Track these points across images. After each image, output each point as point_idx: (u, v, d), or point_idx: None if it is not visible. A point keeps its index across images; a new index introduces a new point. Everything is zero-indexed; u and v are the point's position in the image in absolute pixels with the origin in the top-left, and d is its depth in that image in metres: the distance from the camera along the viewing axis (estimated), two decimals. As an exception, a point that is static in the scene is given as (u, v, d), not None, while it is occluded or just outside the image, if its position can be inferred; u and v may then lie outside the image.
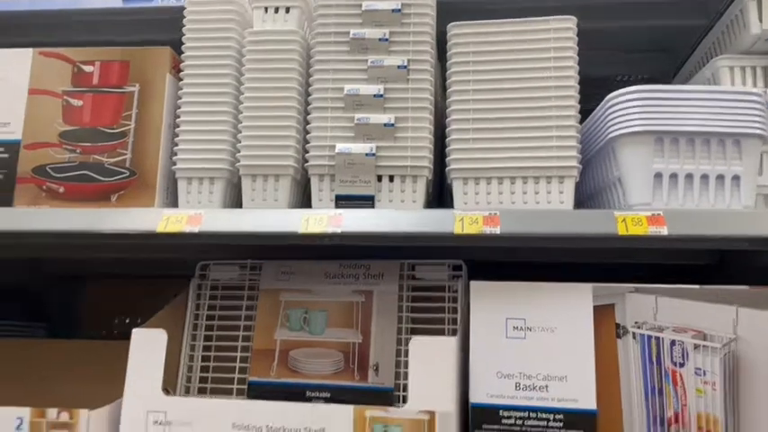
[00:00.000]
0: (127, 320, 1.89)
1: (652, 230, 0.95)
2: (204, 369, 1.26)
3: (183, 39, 1.17)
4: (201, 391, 1.25)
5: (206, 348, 1.27)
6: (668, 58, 1.61)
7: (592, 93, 1.18)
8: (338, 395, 1.14)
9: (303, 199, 1.18)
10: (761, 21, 1.18)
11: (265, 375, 1.19)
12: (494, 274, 1.07)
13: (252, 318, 1.25)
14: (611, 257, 1.34)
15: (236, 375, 1.22)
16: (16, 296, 1.71)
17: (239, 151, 1.11)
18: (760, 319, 0.92)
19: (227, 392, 1.22)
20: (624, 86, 1.05)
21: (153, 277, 1.83)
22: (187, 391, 1.24)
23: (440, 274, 1.20)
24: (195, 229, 1.03)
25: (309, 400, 1.16)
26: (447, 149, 1.10)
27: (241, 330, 1.25)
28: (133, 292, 1.85)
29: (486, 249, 1.32)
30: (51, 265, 1.80)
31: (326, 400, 1.15)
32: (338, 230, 1.01)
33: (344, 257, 1.26)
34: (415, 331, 1.18)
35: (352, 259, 1.25)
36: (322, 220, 1.02)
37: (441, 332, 1.17)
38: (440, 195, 1.37)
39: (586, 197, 1.26)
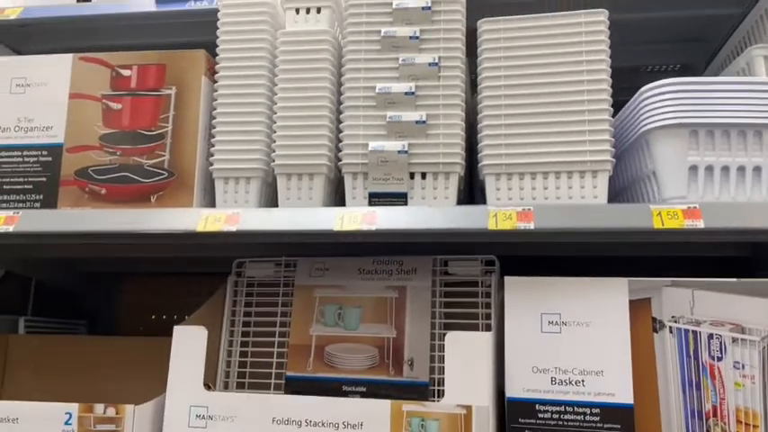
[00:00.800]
0: (164, 317, 1.94)
1: (688, 224, 0.94)
2: (242, 365, 1.29)
3: (217, 41, 1.19)
4: (240, 386, 1.28)
5: (243, 344, 1.30)
6: (700, 48, 1.59)
7: (622, 84, 1.18)
8: (374, 390, 1.16)
9: (336, 197, 1.20)
10: (797, 8, 1.16)
11: (302, 370, 1.21)
12: (525, 269, 1.08)
13: (288, 314, 1.27)
14: (642, 251, 1.33)
15: (274, 370, 1.25)
16: (58, 294, 1.77)
17: (274, 151, 1.13)
18: (800, 313, 0.91)
19: (265, 387, 1.25)
20: (655, 77, 1.05)
21: (188, 275, 1.88)
22: (226, 387, 1.27)
23: (473, 270, 1.21)
24: (233, 228, 1.06)
25: (346, 394, 1.18)
26: (479, 145, 1.10)
27: (278, 326, 1.27)
28: (169, 290, 1.90)
29: (516, 245, 1.32)
30: (90, 264, 1.85)
31: (362, 395, 1.17)
32: (372, 228, 1.02)
33: (376, 254, 1.28)
34: (448, 326, 1.19)
35: (384, 255, 1.27)
36: (356, 217, 1.04)
37: (474, 327, 1.18)
38: (470, 192, 1.38)
39: (619, 190, 1.26)
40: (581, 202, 1.04)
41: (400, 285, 1.22)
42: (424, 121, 1.09)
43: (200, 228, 1.06)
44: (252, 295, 1.32)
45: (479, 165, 1.10)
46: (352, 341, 1.21)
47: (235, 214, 1.07)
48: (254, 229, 1.06)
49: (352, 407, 0.99)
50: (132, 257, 1.82)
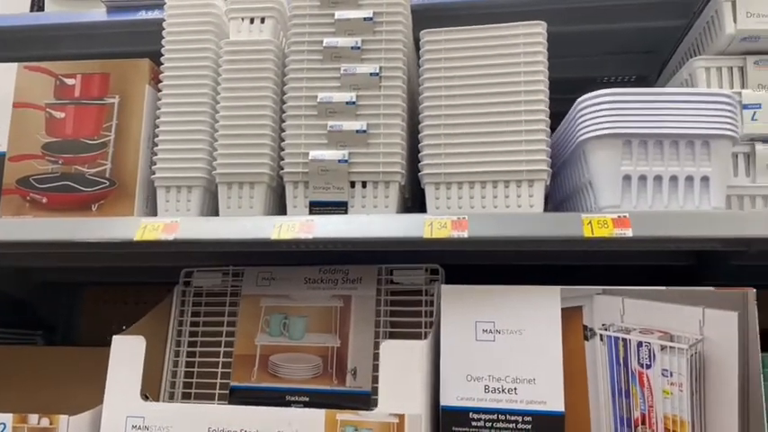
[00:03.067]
0: (124, 327, 1.92)
1: (617, 232, 0.95)
2: (189, 375, 1.28)
3: (162, 50, 1.20)
4: (186, 397, 1.27)
5: (190, 354, 1.29)
6: (654, 60, 1.61)
7: (579, 94, 1.19)
8: (316, 399, 1.16)
9: (280, 206, 1.20)
10: (735, 21, 1.18)
11: (246, 380, 1.21)
12: (474, 278, 1.08)
13: (235, 324, 1.27)
14: (591, 260, 1.34)
15: (219, 381, 1.24)
16: (12, 305, 1.75)
17: (216, 159, 1.13)
18: (726, 320, 0.92)
19: (211, 398, 1.24)
20: (611, 88, 1.05)
21: (153, 284, 1.87)
22: (171, 397, 1.26)
23: (417, 279, 1.22)
24: (170, 236, 1.05)
25: (289, 404, 1.17)
26: (420, 155, 1.11)
27: (224, 336, 1.27)
28: (133, 300, 1.89)
29: (469, 253, 1.33)
30: (48, 274, 1.83)
31: (305, 405, 1.16)
32: (310, 236, 1.03)
33: (328, 263, 1.28)
34: (393, 335, 1.20)
35: (334, 264, 1.27)
36: (294, 226, 1.04)
37: (418, 336, 1.18)
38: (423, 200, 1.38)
39: (563, 199, 1.27)
40: (517, 210, 1.05)
41: (346, 294, 1.22)
42: (364, 131, 1.10)
43: (137, 237, 1.06)
44: (200, 305, 1.31)
45: (419, 174, 1.11)
46: (296, 351, 1.21)
47: (173, 223, 1.07)
48: (193, 238, 1.06)
49: (287, 416, 0.99)
50: (92, 268, 1.80)
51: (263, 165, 1.12)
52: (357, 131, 1.10)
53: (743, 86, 1.21)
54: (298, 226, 1.04)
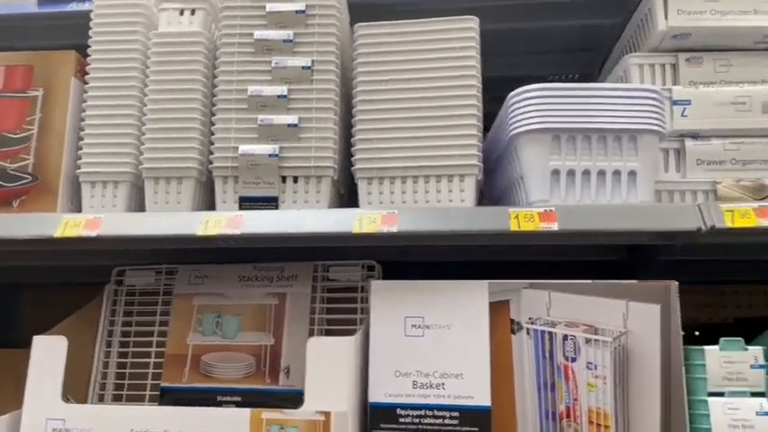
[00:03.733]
0: (64, 329, 1.86)
1: (543, 226, 0.95)
2: (121, 376, 1.24)
3: (90, 41, 1.16)
4: (117, 399, 1.24)
5: (122, 355, 1.25)
6: (595, 57, 1.63)
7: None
8: (249, 399, 1.13)
9: (210, 202, 1.17)
10: (666, 18, 1.20)
11: (177, 381, 1.18)
12: (413, 275, 1.07)
13: (167, 323, 1.24)
14: (531, 255, 1.34)
15: (150, 382, 1.21)
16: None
17: (143, 154, 1.10)
18: (649, 313, 0.93)
19: (143, 399, 1.21)
20: None
21: (94, 285, 1.81)
22: (101, 399, 1.23)
23: (353, 275, 1.20)
24: (93, 233, 1.02)
25: (221, 404, 1.15)
26: (352, 149, 1.10)
27: (155, 336, 1.23)
28: (72, 300, 1.83)
29: (409, 250, 1.32)
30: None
31: (237, 405, 1.14)
32: (237, 232, 1.00)
33: (267, 260, 1.25)
34: (330, 333, 1.18)
35: (270, 262, 1.25)
36: (221, 222, 1.01)
37: (353, 333, 1.16)
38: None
39: (501, 195, 1.27)
40: (449, 205, 1.05)
41: (280, 292, 1.20)
42: (296, 125, 1.08)
43: (58, 233, 1.02)
44: (133, 304, 1.28)
45: (352, 168, 1.10)
46: (229, 350, 1.18)
47: (96, 219, 1.03)
48: (116, 235, 1.03)
49: (212, 416, 0.96)
50: (35, 267, 1.74)
51: (191, 159, 1.09)
52: (288, 125, 1.08)
53: (675, 83, 1.23)
54: (225, 221, 1.01)
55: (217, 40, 1.15)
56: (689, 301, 1.63)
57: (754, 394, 0.91)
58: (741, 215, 0.91)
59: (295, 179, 1.09)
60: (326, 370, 0.96)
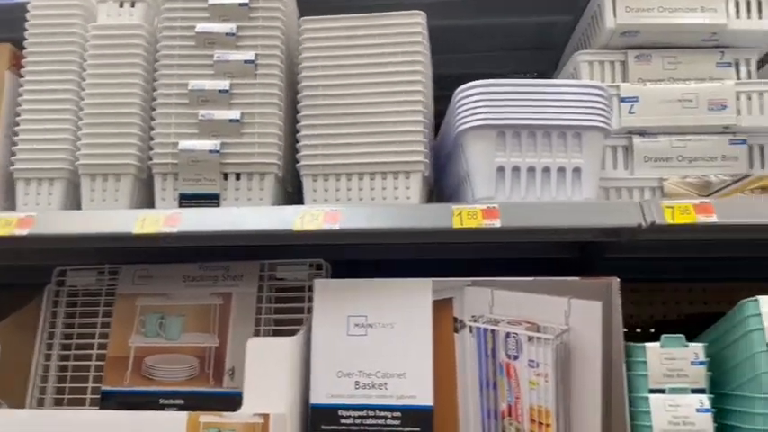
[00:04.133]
0: (13, 332, 1.81)
1: (486, 223, 0.94)
2: (62, 379, 1.20)
3: (26, 34, 1.12)
4: (58, 403, 1.20)
5: (64, 357, 1.22)
6: (550, 55, 1.63)
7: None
8: (191, 402, 1.11)
9: (151, 199, 1.14)
10: (615, 16, 1.20)
11: (119, 384, 1.14)
12: (363, 274, 1.05)
13: (110, 325, 1.20)
14: (478, 254, 1.33)
15: (90, 385, 1.17)
16: None
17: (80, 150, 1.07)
18: (590, 309, 0.92)
19: (83, 403, 1.17)
20: None
21: (34, 286, 1.76)
22: (41, 404, 1.19)
23: (301, 274, 1.18)
24: (24, 231, 0.98)
25: (163, 407, 1.12)
26: (298, 145, 1.08)
27: (97, 338, 1.20)
28: (12, 301, 1.77)
29: (359, 249, 1.30)
30: None
31: (180, 408, 1.11)
32: (174, 230, 0.98)
33: (219, 259, 1.22)
34: (277, 333, 1.16)
35: (220, 260, 1.22)
36: (158, 219, 0.99)
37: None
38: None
39: (452, 193, 1.26)
40: (394, 202, 1.03)
41: (226, 292, 1.18)
42: (238, 120, 1.06)
43: (-14, 232, 0.98)
44: (75, 305, 1.24)
45: (297, 165, 1.07)
46: (172, 352, 1.15)
47: (27, 217, 1.00)
48: (49, 233, 0.99)
49: (148, 420, 0.93)
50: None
51: (129, 155, 1.06)
52: (230, 121, 1.06)
53: (625, 80, 1.23)
54: (162, 219, 0.98)
55: (158, 33, 1.12)
56: (644, 299, 1.65)
57: (694, 391, 0.91)
58: (681, 211, 0.91)
59: (237, 176, 1.06)
60: (266, 371, 0.93)
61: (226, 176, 1.06)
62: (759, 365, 0.87)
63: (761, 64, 1.29)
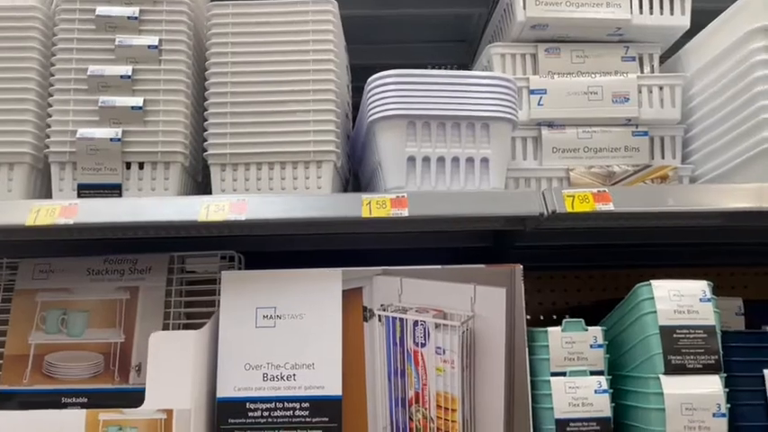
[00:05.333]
0: None
1: (394, 212, 0.95)
2: (-43, 381, 1.13)
3: None
4: (-47, 406, 1.12)
5: (-42, 358, 1.14)
6: (470, 48, 1.66)
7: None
8: (96, 400, 1.06)
9: (50, 189, 1.08)
10: (525, 9, 1.22)
11: (18, 383, 1.09)
12: (283, 265, 1.03)
13: (8, 321, 1.14)
14: (401, 243, 1.34)
15: (-13, 385, 1.11)
16: None
17: (-32, 138, 1.00)
18: (494, 296, 0.94)
19: (-20, 405, 1.11)
20: None
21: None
22: (-68, 407, 1.11)
23: (212, 266, 1.15)
24: None
25: (65, 406, 1.07)
26: (205, 134, 1.05)
27: (-7, 336, 1.13)
28: None
29: (274, 240, 1.28)
30: None
31: (83, 406, 1.06)
32: (71, 221, 0.93)
33: (130, 251, 1.18)
34: (187, 327, 1.12)
35: (119, 254, 1.17)
36: (54, 211, 0.94)
37: (210, 326, 1.11)
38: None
39: (368, 182, 1.26)
40: (300, 192, 1.02)
41: (132, 286, 1.13)
42: (140, 107, 1.02)
43: None
44: (-29, 302, 1.17)
45: (204, 154, 1.05)
46: (75, 348, 1.10)
47: None
48: (-65, 226, 0.93)
49: (45, 420, 0.89)
50: None
51: (24, 144, 1.01)
52: (132, 108, 1.02)
53: (536, 73, 1.26)
54: (58, 210, 0.94)
55: (55, 15, 1.06)
56: (560, 285, 1.70)
57: (593, 373, 0.94)
58: (581, 200, 0.94)
59: (141, 165, 1.02)
60: (169, 365, 0.91)
61: (129, 166, 1.02)
62: (652, 347, 0.91)
63: (664, 58, 1.35)
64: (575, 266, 1.65)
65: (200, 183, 1.15)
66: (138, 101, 1.01)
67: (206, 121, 1.05)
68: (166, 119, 1.03)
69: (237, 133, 1.04)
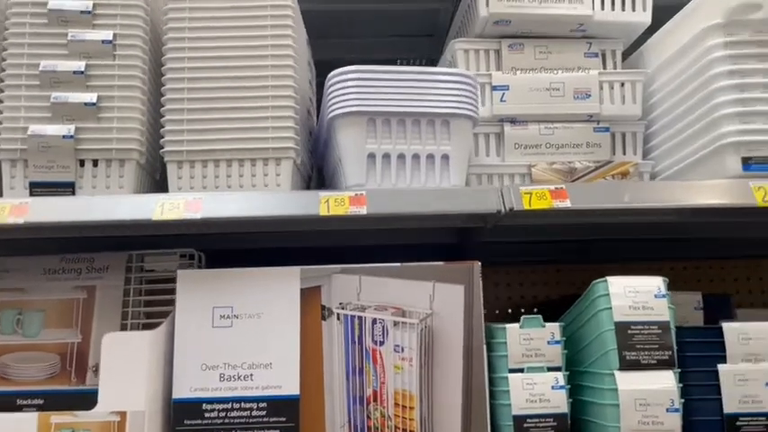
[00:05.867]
0: None
1: (352, 210, 0.94)
2: None
3: None
4: None
5: None
6: (438, 42, 1.65)
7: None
8: (52, 401, 1.04)
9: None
10: (488, 5, 1.22)
11: (-29, 386, 1.06)
12: (246, 263, 1.02)
13: (-39, 323, 1.11)
14: (368, 240, 1.33)
15: (-61, 389, 1.08)
16: None
17: None
18: (452, 293, 0.94)
19: (-68, 408, 1.08)
20: None
21: None
22: None
23: (171, 265, 1.13)
24: None
25: (21, 408, 1.05)
26: (162, 131, 1.03)
27: (-54, 338, 1.11)
28: None
29: (236, 238, 1.27)
30: None
31: (39, 408, 1.04)
32: (21, 221, 0.91)
33: (89, 249, 1.15)
34: (146, 327, 1.11)
35: (89, 251, 1.15)
36: (3, 210, 0.92)
37: (170, 325, 1.10)
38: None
39: (330, 180, 1.25)
40: (257, 190, 1.01)
41: (90, 285, 1.11)
42: (94, 103, 1.00)
43: None
44: None
45: (161, 151, 1.03)
46: (31, 349, 1.08)
47: None
48: None
49: (-6, 424, 0.87)
50: None
51: (-28, 141, 0.98)
52: (86, 104, 1.00)
53: (499, 69, 1.26)
54: (8, 209, 0.92)
55: (6, 9, 1.04)
56: (528, 279, 1.71)
57: (550, 369, 0.94)
58: (538, 197, 0.94)
59: (95, 163, 1.01)
60: (123, 367, 0.90)
61: (82, 163, 1.00)
62: (607, 343, 0.91)
63: (627, 55, 1.36)
64: (543, 261, 1.66)
65: (158, 181, 1.14)
66: (91, 97, 0.99)
67: (162, 117, 1.04)
68: (121, 115, 1.01)
69: (194, 130, 1.02)
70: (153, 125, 1.08)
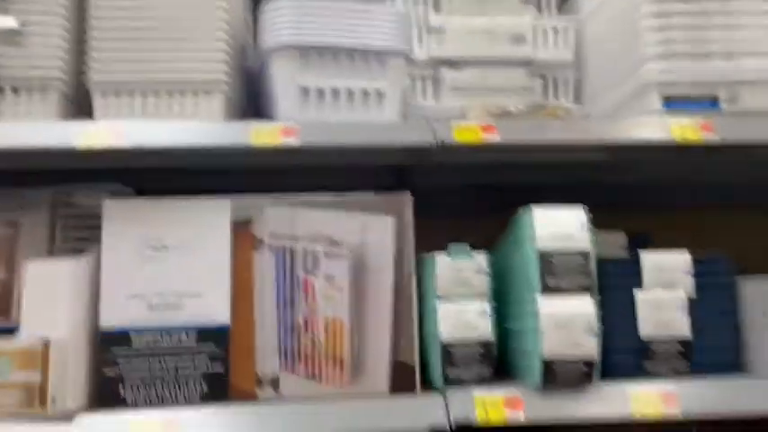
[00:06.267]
0: None
1: (284, 141, 0.94)
2: None
3: None
4: None
5: None
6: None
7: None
8: (-26, 338, 1.01)
9: None
10: (419, -54, 1.21)
11: None
12: None
13: None
14: (311, 179, 1.32)
15: None
16: None
17: None
18: (383, 224, 0.95)
19: None
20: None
21: None
22: None
23: (99, 200, 1.10)
24: None
25: (-60, 346, 1.02)
26: (86, 58, 1.00)
27: None
28: None
29: (171, 174, 1.24)
30: None
31: (-40, 345, 1.02)
32: (-64, 147, 0.87)
33: (14, 185, 1.11)
34: (76, 262, 1.08)
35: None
36: None
37: (99, 262, 1.08)
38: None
39: (267, 115, 1.23)
40: (185, 121, 0.99)
41: (13, 221, 1.08)
42: (15, 29, 0.96)
43: None
44: None
45: (87, 80, 1.00)
46: (-49, 286, 1.04)
47: None
48: None
49: None
50: None
51: None
52: (6, 30, 0.95)
53: (438, 11, 1.25)
54: None
55: None
56: (463, 233, 1.73)
57: (478, 297, 0.97)
58: (468, 131, 0.96)
59: (15, 90, 0.97)
60: (47, 296, 0.88)
61: (2, 91, 0.96)
62: (530, 270, 0.94)
63: (563, 2, 1.38)
64: (480, 214, 1.68)
65: (85, 113, 1.10)
66: (11, 21, 0.95)
67: (86, 44, 1.00)
68: (42, 41, 0.97)
69: (120, 59, 0.99)
70: (78, 53, 1.04)
